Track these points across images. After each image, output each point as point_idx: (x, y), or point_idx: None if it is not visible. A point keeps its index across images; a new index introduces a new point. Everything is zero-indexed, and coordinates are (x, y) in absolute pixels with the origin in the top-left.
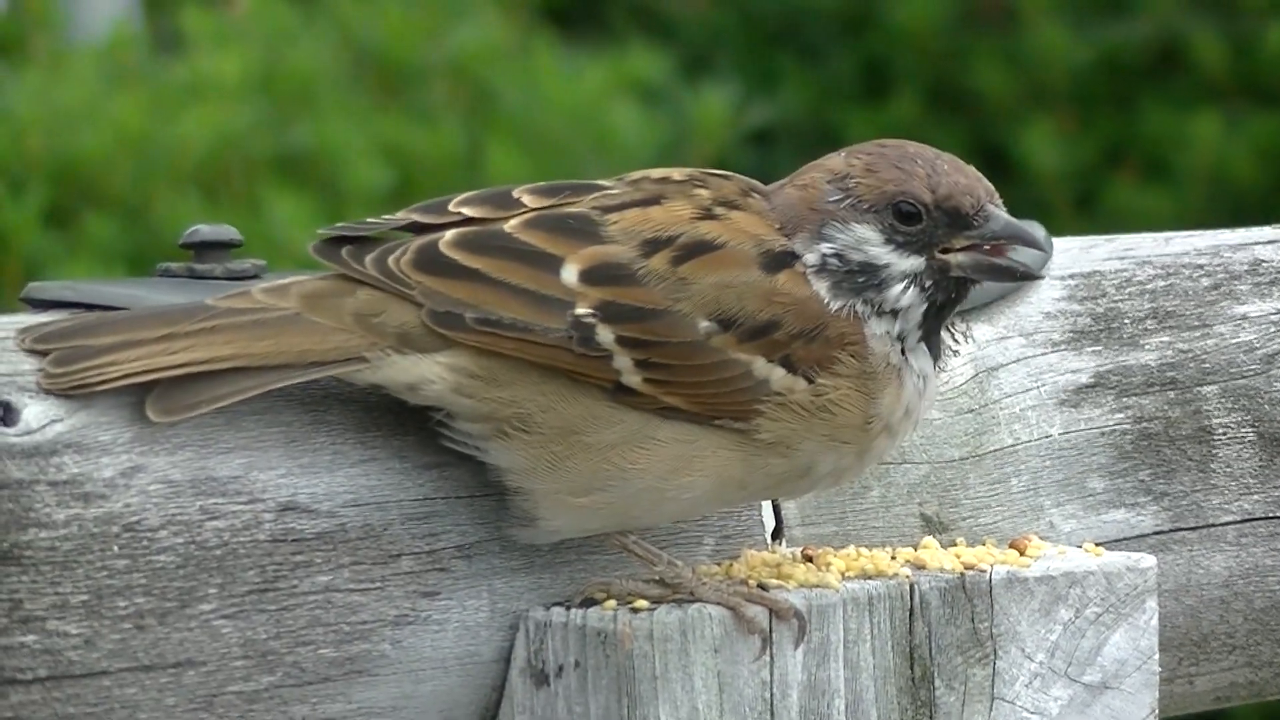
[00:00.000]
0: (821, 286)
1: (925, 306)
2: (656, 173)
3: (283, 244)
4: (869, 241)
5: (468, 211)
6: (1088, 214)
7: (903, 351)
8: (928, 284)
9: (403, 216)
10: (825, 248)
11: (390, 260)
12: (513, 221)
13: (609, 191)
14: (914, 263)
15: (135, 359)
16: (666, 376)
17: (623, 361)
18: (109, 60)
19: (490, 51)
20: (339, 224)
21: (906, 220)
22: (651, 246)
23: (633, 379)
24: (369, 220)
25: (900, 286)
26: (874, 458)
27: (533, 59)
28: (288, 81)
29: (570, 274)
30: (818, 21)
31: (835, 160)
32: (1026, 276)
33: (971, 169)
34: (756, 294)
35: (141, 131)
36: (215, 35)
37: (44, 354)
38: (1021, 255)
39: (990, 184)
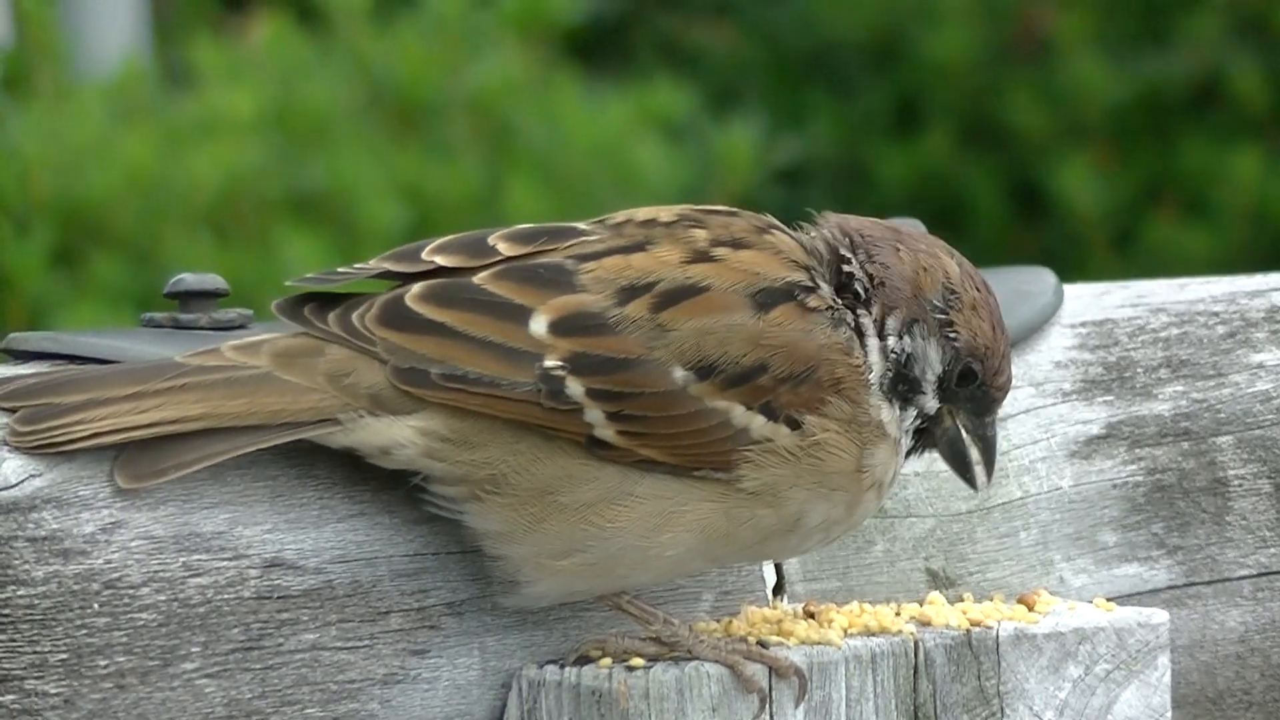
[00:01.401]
0: (875, 367)
1: (912, 444)
2: (642, 214)
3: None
4: (931, 368)
5: (441, 260)
6: (1125, 253)
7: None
8: (923, 425)
9: (374, 265)
10: (906, 344)
11: (354, 317)
12: (483, 273)
13: (588, 238)
14: (934, 405)
15: (103, 418)
16: (641, 429)
17: (594, 414)
18: (117, 95)
19: (510, 86)
20: (308, 275)
21: (962, 380)
22: (628, 294)
23: (606, 432)
24: (339, 270)
25: (913, 415)
26: (863, 514)
27: (554, 94)
28: (302, 117)
29: (539, 325)
30: (847, 55)
31: (951, 264)
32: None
33: None
34: (742, 337)
35: (151, 170)
36: (227, 69)
37: (11, 411)
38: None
39: None
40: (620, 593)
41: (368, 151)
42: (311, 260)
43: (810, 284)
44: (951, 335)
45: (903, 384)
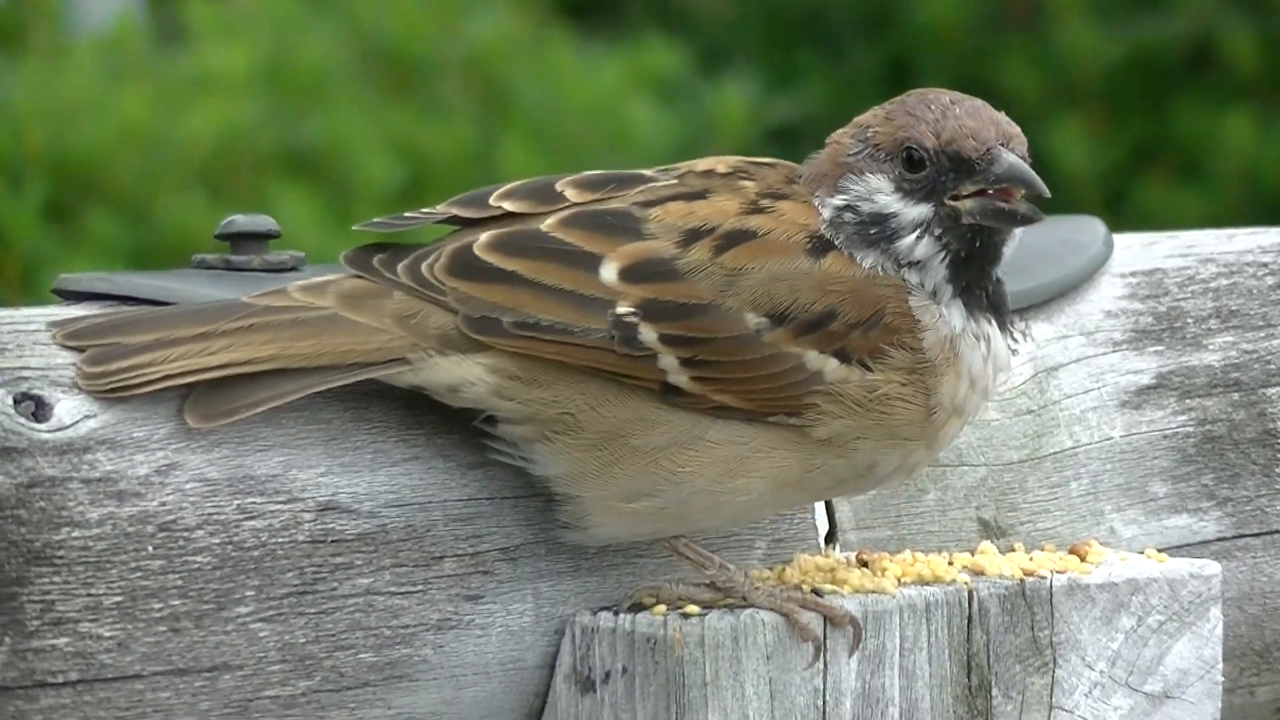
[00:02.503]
0: (839, 240)
1: (946, 256)
2: (701, 165)
3: (291, 243)
4: (880, 190)
5: (509, 206)
6: (1118, 215)
7: (944, 310)
8: (938, 232)
9: (442, 210)
10: (839, 200)
11: (424, 267)
12: (550, 220)
13: (653, 185)
14: (922, 210)
15: (173, 359)
16: (715, 374)
17: (668, 361)
18: (112, 52)
19: (505, 45)
20: (376, 219)
21: (913, 167)
22: (691, 237)
23: (680, 378)
24: (406, 215)
25: (912, 236)
26: (946, 443)
27: (548, 53)
28: (296, 75)
29: (610, 272)
30: (840, 16)
31: (866, 114)
32: (1026, 221)
33: (992, 114)
34: (810, 284)
35: (145, 126)
36: (221, 27)
37: (79, 350)
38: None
39: (1012, 128)
40: (679, 535)
41: (362, 109)
42: (306, 217)
43: (824, 229)
44: (879, 153)
45: (874, 227)
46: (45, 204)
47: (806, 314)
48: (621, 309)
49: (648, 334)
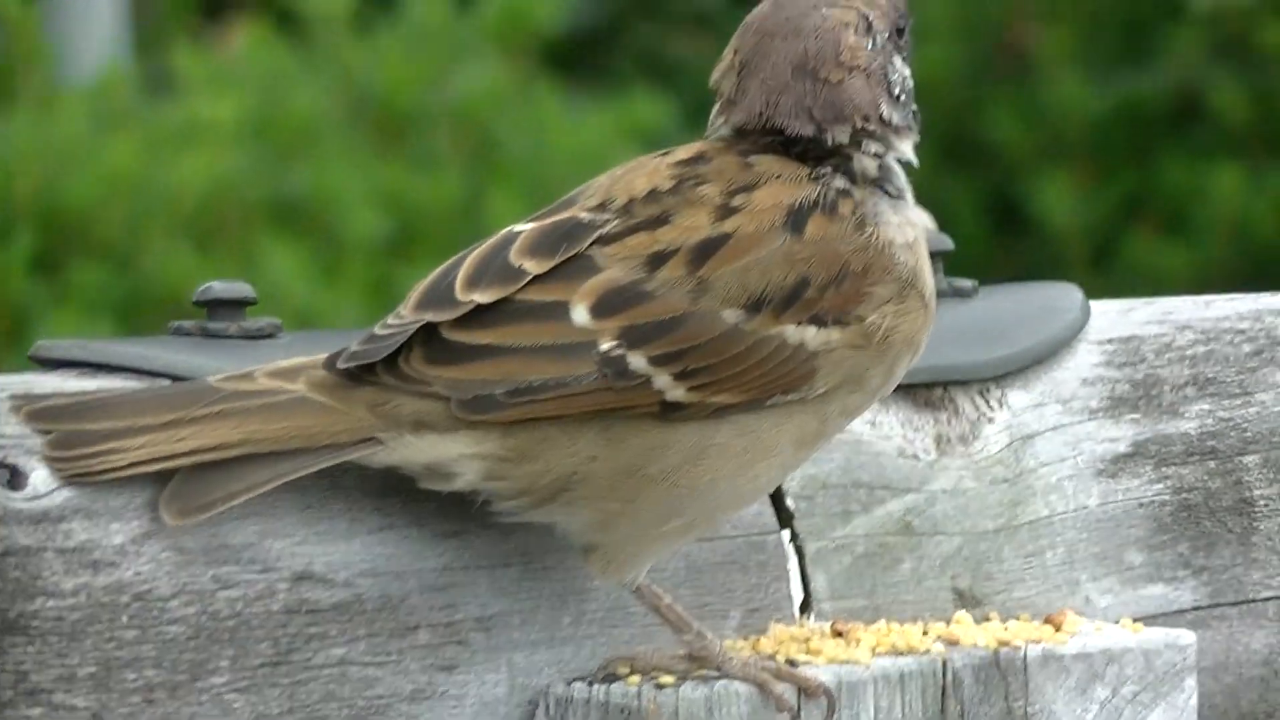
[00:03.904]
0: (895, 114)
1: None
2: (638, 188)
3: (280, 295)
4: (898, 66)
5: (479, 298)
6: (1105, 270)
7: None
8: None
9: (413, 318)
10: (897, 89)
11: (401, 363)
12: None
13: (602, 230)
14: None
15: (140, 446)
16: (708, 378)
17: (662, 379)
18: (100, 101)
19: (492, 97)
20: (354, 349)
21: (903, 34)
22: (657, 260)
23: (677, 393)
24: (378, 334)
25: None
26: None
27: (536, 105)
28: (285, 126)
29: (581, 314)
30: None
31: (828, 17)
32: None
33: None
34: (778, 261)
35: (134, 176)
36: (209, 77)
37: (45, 432)
38: None
39: None
40: (660, 595)
41: (350, 161)
42: (294, 269)
43: (820, 195)
44: (882, 35)
45: (910, 100)
46: (33, 255)
47: (781, 291)
48: (604, 345)
49: (637, 360)
